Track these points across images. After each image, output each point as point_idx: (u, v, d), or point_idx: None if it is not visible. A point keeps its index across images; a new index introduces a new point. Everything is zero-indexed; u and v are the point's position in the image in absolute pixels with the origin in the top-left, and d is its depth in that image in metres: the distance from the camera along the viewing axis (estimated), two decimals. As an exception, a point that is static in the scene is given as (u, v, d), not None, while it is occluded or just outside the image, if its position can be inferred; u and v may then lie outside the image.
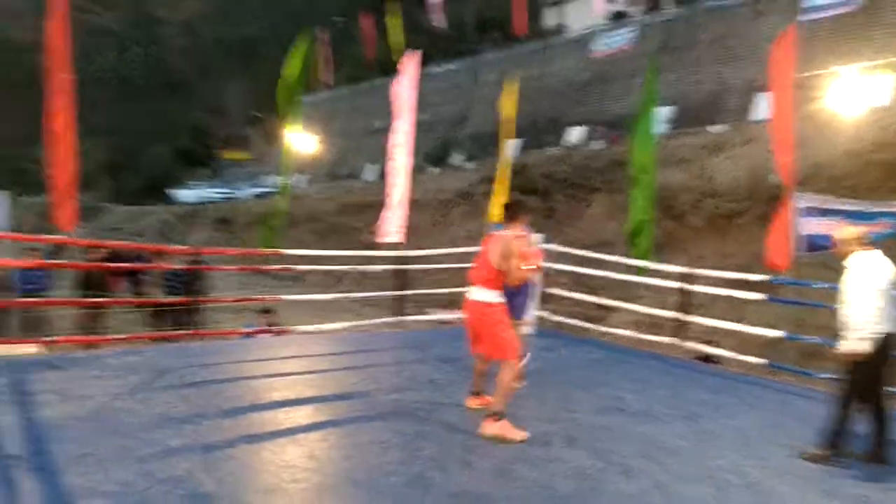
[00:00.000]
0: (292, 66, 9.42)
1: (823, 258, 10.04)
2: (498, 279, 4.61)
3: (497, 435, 4.39)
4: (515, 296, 5.33)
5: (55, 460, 3.55)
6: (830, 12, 22.72)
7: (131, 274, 10.02)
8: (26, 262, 7.28)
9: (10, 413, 4.21)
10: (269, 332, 8.10)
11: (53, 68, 7.18)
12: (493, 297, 4.63)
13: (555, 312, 8.89)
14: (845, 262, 4.50)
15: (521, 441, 4.37)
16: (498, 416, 4.44)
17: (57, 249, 9.49)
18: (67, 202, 7.28)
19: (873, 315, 4.19)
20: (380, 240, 8.55)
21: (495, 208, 9.31)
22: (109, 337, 7.48)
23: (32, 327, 8.67)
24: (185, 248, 7.63)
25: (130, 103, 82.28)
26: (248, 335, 8.14)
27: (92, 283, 9.30)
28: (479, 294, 4.65)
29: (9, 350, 6.46)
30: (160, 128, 72.17)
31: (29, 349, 6.58)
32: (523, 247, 4.81)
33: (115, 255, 9.79)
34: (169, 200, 45.10)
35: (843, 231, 4.64)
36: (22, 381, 4.92)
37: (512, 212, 4.91)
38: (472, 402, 5.04)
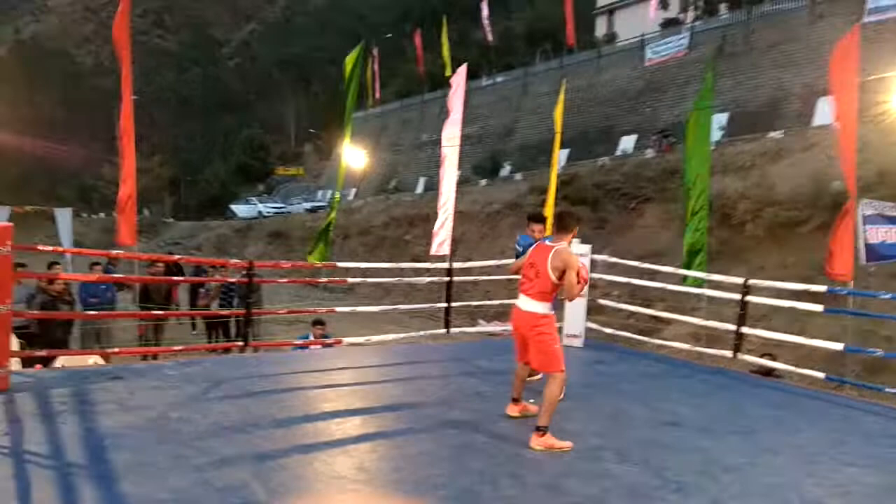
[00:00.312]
0: (346, 83, 9.63)
1: (889, 268, 9.64)
2: (552, 292, 4.58)
3: (545, 448, 4.38)
4: None
5: (114, 468, 3.66)
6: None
7: (191, 287, 10.36)
8: (88, 276, 7.58)
9: (72, 422, 4.36)
10: (321, 343, 8.21)
11: (119, 90, 7.52)
12: (545, 308, 4.61)
13: (607, 325, 8.74)
14: None
15: (568, 449, 4.37)
16: (544, 430, 4.43)
17: (118, 263, 9.87)
18: (129, 218, 7.58)
19: None
20: (433, 252, 8.61)
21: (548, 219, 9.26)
22: (168, 348, 7.70)
23: (95, 339, 9.02)
24: (239, 261, 7.82)
25: (190, 122, 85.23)
26: (300, 347, 8.26)
27: (152, 295, 9.63)
28: (530, 305, 4.62)
29: (73, 361, 6.72)
30: (218, 145, 74.50)
31: (91, 360, 6.84)
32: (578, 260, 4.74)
33: (173, 269, 10.12)
34: (228, 215, 46.38)
35: None
36: (84, 391, 5.10)
37: (564, 223, 4.78)
38: (512, 410, 5.04)
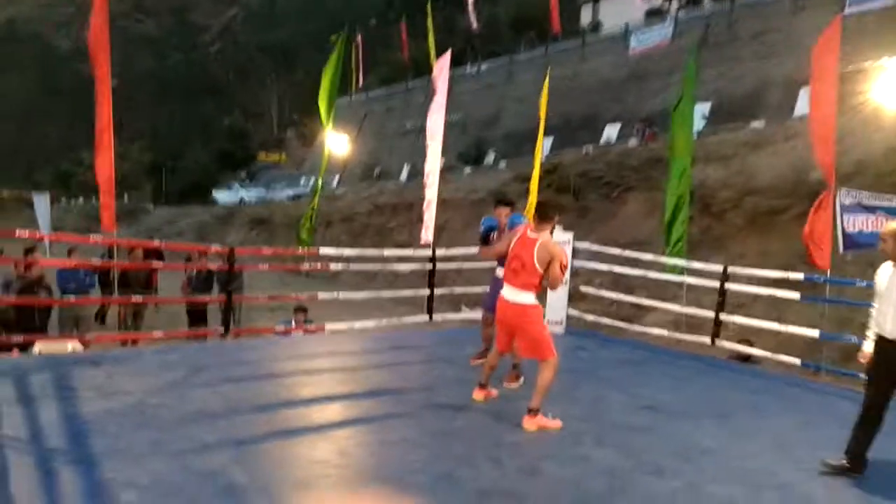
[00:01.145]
0: (329, 69, 9.54)
1: (867, 256, 9.77)
2: (539, 282, 4.65)
3: (538, 427, 4.53)
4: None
5: (93, 453, 3.64)
6: (877, 4, 22.02)
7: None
8: (66, 261, 7.48)
9: (51, 408, 4.33)
10: (303, 329, 8.19)
11: (96, 74, 7.40)
12: (532, 299, 4.69)
13: (589, 311, 8.80)
14: None
15: (558, 428, 4.55)
16: (536, 412, 4.55)
17: (106, 249, 9.75)
18: (108, 204, 7.49)
19: None
20: (422, 241, 8.58)
21: (532, 206, 9.30)
22: (148, 335, 7.65)
23: (74, 325, 8.93)
24: (220, 248, 7.76)
25: (171, 107, 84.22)
26: (282, 333, 8.23)
27: (131, 282, 9.55)
28: (518, 297, 4.67)
29: (50, 347, 6.66)
30: (199, 131, 73.75)
31: (70, 346, 6.77)
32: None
33: (153, 255, 10.03)
34: (209, 202, 45.97)
35: (890, 225, 4.14)
36: (63, 378, 5.06)
37: (545, 213, 4.82)
38: (478, 395, 5.13)
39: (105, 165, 7.35)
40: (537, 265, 4.57)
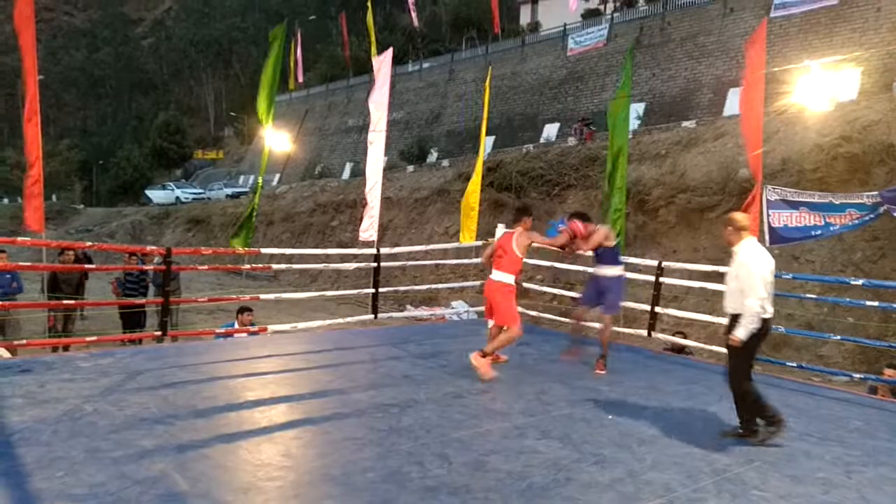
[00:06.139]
0: (268, 65, 9.39)
1: (791, 249, 10.24)
2: (517, 266, 5.99)
3: (478, 366, 5.75)
4: (608, 292, 6.46)
5: (24, 464, 3.50)
6: (801, 8, 23.07)
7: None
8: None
9: (-22, 418, 4.14)
10: (245, 331, 8.04)
11: (21, 69, 7.08)
12: (510, 279, 5.98)
13: (531, 307, 8.94)
14: (736, 249, 4.70)
15: (490, 380, 5.72)
16: (486, 355, 5.83)
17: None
18: (36, 204, 7.18)
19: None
20: (361, 239, 8.56)
21: (472, 204, 9.39)
22: (80, 339, 7.37)
23: (0, 331, 8.54)
24: (155, 248, 7.54)
25: (102, 104, 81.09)
26: (223, 335, 8.07)
27: (62, 286, 9.19)
28: (500, 276, 6.01)
29: (-24, 354, 6.34)
30: (132, 129, 71.29)
31: (-3, 353, 6.47)
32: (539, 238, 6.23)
33: (80, 258, 9.66)
34: (143, 201, 44.62)
35: (734, 217, 4.76)
36: (-10, 386, 4.84)
37: (518, 214, 6.20)
38: (478, 361, 5.94)
39: (33, 163, 7.04)
40: (516, 250, 5.93)
